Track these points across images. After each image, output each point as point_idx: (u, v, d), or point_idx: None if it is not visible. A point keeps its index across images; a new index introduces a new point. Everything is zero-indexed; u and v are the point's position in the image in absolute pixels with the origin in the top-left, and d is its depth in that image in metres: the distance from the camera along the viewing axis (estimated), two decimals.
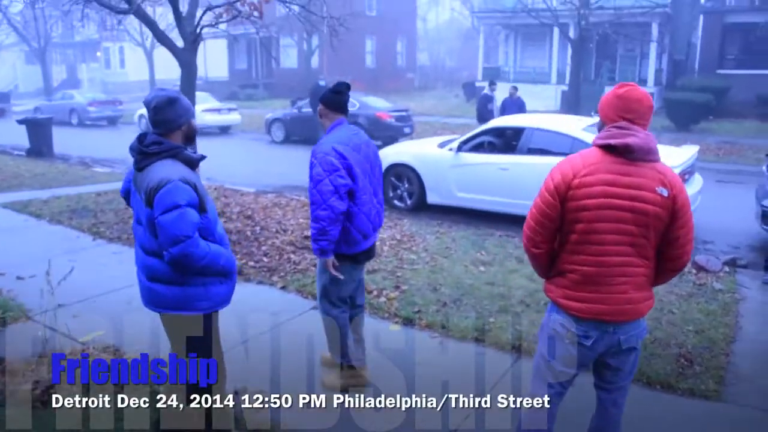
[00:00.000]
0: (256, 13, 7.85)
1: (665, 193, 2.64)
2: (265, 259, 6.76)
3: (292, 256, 6.87)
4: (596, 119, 3.31)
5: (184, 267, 2.96)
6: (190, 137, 3.20)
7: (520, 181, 8.57)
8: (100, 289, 5.93)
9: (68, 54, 51.13)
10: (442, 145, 9.77)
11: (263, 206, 9.13)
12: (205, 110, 22.05)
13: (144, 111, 18.17)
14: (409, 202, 9.85)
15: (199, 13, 8.71)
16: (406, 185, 9.87)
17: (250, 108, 28.02)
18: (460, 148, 9.30)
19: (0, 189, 11.12)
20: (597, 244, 2.69)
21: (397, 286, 5.90)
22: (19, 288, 5.92)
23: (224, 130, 23.08)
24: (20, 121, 17.33)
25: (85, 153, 17.44)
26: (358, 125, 4.28)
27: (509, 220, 8.88)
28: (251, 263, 6.62)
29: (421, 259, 6.82)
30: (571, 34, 21.63)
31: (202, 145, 15.42)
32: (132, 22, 31.53)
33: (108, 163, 15.67)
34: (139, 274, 3.18)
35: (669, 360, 4.54)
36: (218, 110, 22.54)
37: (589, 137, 8.21)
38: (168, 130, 3.07)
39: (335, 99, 3.96)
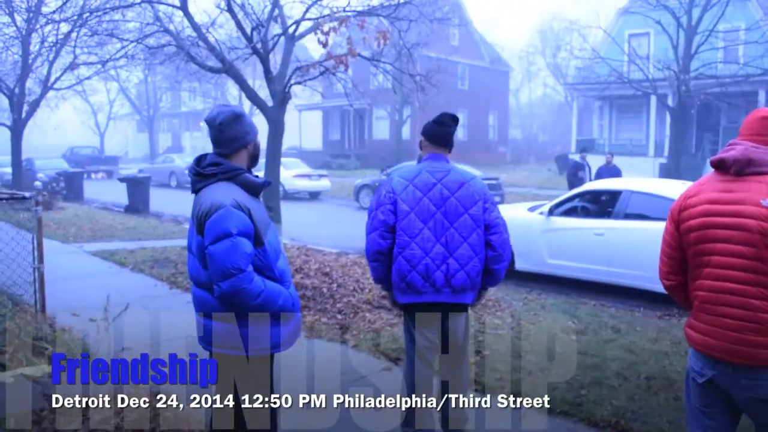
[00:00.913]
0: (342, 68, 7.80)
1: None
2: (339, 317, 6.42)
3: (367, 314, 6.50)
4: None
5: (236, 305, 2.65)
6: (256, 158, 2.95)
7: (616, 247, 7.92)
8: (168, 335, 5.74)
9: (174, 123, 54.44)
10: (532, 209, 9.27)
11: (342, 265, 8.86)
12: (295, 175, 22.56)
13: None
14: None
15: (290, 70, 8.80)
16: None
17: (341, 177, 28.44)
18: (551, 212, 8.77)
19: (93, 239, 11.51)
20: (705, 266, 2.44)
21: (479, 351, 5.38)
22: (90, 329, 5.83)
23: (314, 195, 23.40)
24: (121, 179, 18.26)
25: (179, 212, 17.96)
26: None
27: (604, 290, 8.21)
28: (324, 320, 6.29)
29: (506, 325, 6.27)
30: (670, 102, 20.79)
31: (292, 209, 15.68)
32: (231, 90, 33.22)
33: None
34: (195, 307, 2.90)
35: None
36: (309, 176, 22.93)
37: None
38: (233, 149, 2.81)
39: (434, 130, 3.65)
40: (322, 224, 15.71)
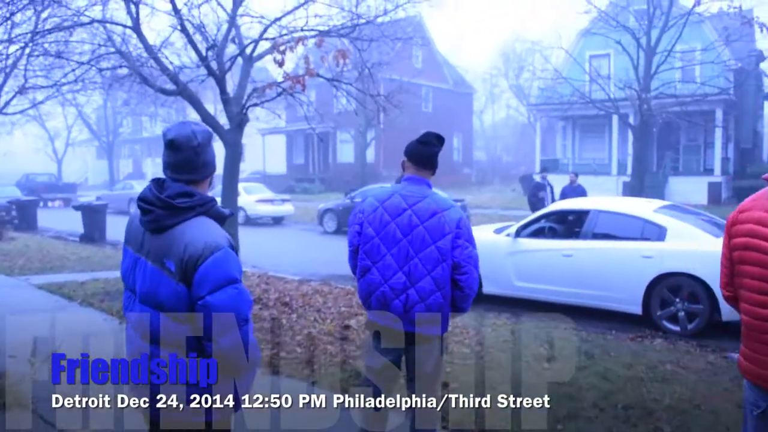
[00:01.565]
0: (299, 88, 7.52)
1: None
2: (298, 350, 6.04)
3: (329, 347, 6.13)
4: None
5: (232, 363, 2.22)
6: (211, 184, 2.51)
7: (585, 268, 7.73)
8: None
9: (135, 149, 53.44)
10: (498, 231, 9.03)
11: (303, 294, 8.49)
12: (258, 200, 22.16)
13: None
14: None
15: (248, 89, 8.49)
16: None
17: (305, 201, 28.05)
18: (518, 234, 8.54)
19: (42, 271, 10.93)
20: (742, 288, 2.30)
21: (446, 383, 5.05)
22: (27, 371, 5.37)
23: (277, 220, 22.97)
24: (76, 207, 17.64)
25: None
26: None
27: (575, 312, 7.93)
28: (282, 353, 5.91)
29: (475, 354, 5.97)
30: (632, 121, 20.98)
31: (254, 235, 15.25)
32: (192, 115, 32.74)
33: None
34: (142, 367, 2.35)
35: None
36: (271, 201, 22.53)
37: (664, 219, 7.38)
38: (205, 176, 2.35)
39: (416, 150, 3.33)
40: (284, 250, 15.29)
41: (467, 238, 3.25)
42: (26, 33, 10.68)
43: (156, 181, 2.35)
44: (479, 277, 3.44)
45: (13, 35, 10.98)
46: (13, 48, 12.63)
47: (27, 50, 12.00)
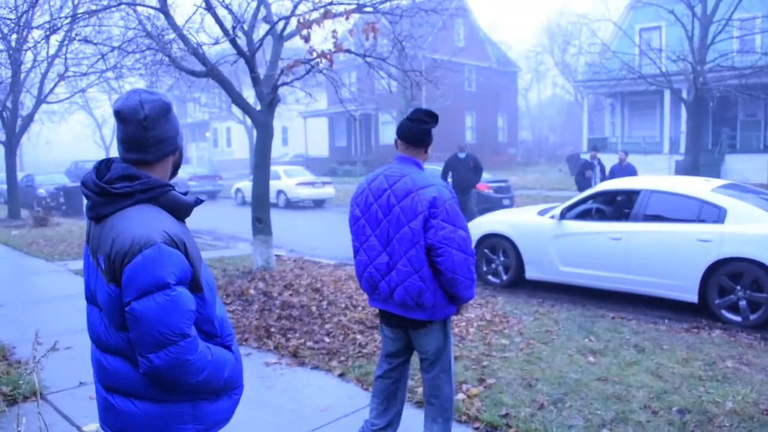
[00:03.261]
0: (326, 61, 7.13)
1: None
2: (326, 340, 5.74)
3: (358, 336, 5.81)
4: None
5: (170, 382, 1.87)
6: (176, 169, 2.10)
7: (636, 252, 7.18)
8: None
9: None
10: (542, 213, 8.53)
11: (336, 279, 8.18)
12: (298, 183, 22.01)
13: (242, 185, 18.07)
14: (504, 277, 8.59)
15: (280, 66, 8.16)
16: (502, 258, 8.65)
17: (347, 183, 27.81)
18: (563, 216, 8.03)
19: (80, 256, 10.91)
20: None
21: (482, 379, 4.68)
22: (49, 361, 5.21)
23: (318, 203, 22.79)
24: None
25: None
26: None
27: (623, 299, 7.48)
28: (310, 343, 5.62)
29: (515, 345, 5.56)
30: (684, 95, 19.93)
31: (294, 218, 15.13)
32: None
33: (196, 233, 15.45)
34: (94, 377, 2.07)
35: None
36: (312, 183, 22.31)
37: (723, 200, 6.78)
38: (159, 156, 1.96)
39: (407, 127, 3.20)
40: (323, 234, 15.10)
41: (444, 218, 3.03)
42: (62, 17, 10.62)
43: (104, 162, 2.00)
44: (469, 267, 3.06)
45: (51, 23, 10.93)
46: (54, 39, 12.71)
47: (66, 38, 12.00)
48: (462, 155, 12.60)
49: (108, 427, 2.01)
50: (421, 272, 3.06)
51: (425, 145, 3.20)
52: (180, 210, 1.98)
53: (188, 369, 1.83)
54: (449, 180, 12.40)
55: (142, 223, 1.84)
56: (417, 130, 3.17)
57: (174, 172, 2.10)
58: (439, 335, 3.28)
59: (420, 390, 4.44)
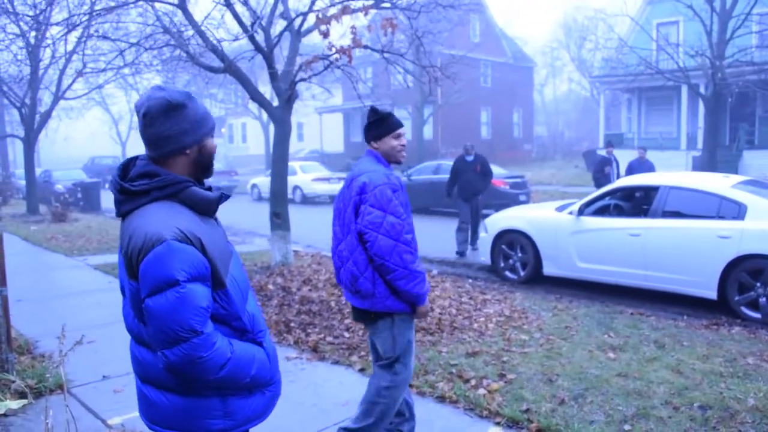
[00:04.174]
0: (345, 57, 7.15)
1: None
2: (346, 335, 5.78)
3: None
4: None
5: (190, 378, 1.90)
6: (206, 167, 2.07)
7: (655, 248, 7.15)
8: None
9: None
10: (560, 209, 8.51)
11: None
12: (314, 179, 22.12)
13: (258, 180, 18.18)
14: (522, 273, 8.60)
15: (298, 62, 8.20)
16: (519, 254, 8.65)
17: None
18: (581, 212, 8.02)
19: (99, 251, 11.06)
20: None
21: (502, 375, 4.69)
22: (73, 355, 5.28)
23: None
24: None
25: None
26: None
27: (642, 295, 7.46)
28: (329, 338, 5.66)
29: (534, 341, 5.56)
30: (703, 91, 19.72)
31: (310, 214, 15.22)
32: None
33: None
34: (133, 368, 2.12)
35: None
36: (327, 179, 22.37)
37: (743, 196, 6.74)
38: (164, 153, 1.97)
39: (367, 126, 3.38)
40: None
41: (372, 203, 3.09)
42: (81, 14, 10.71)
43: (132, 160, 2.04)
44: (398, 254, 3.07)
45: (69, 19, 11.04)
46: (69, 31, 12.80)
47: (84, 35, 12.10)
48: (469, 158, 11.25)
49: (144, 417, 2.07)
50: (353, 257, 3.16)
51: (371, 137, 3.30)
52: (202, 206, 1.99)
53: (203, 366, 1.84)
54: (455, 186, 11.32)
55: (156, 220, 1.86)
56: (365, 126, 3.36)
57: (202, 171, 2.08)
58: (387, 335, 3.24)
59: (441, 384, 4.47)
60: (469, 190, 11.04)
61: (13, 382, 4.55)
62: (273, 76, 8.38)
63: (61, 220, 16.19)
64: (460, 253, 10.76)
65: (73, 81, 16.96)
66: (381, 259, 3.06)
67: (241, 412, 2.03)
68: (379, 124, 3.29)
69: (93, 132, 45.92)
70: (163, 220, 1.86)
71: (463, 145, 11.54)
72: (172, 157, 1.98)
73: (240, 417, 2.03)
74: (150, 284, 1.81)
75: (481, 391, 4.34)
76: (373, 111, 3.30)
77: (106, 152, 44.10)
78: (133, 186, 1.93)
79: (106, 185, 30.97)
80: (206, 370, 1.85)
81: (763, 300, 6.43)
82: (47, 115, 17.98)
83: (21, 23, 14.25)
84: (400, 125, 3.29)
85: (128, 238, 1.89)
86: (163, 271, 1.80)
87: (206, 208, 2.01)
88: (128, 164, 2.03)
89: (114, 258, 10.14)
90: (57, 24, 12.37)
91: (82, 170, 28.33)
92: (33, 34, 15.39)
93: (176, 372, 1.87)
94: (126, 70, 14.92)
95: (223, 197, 2.09)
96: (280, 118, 8.65)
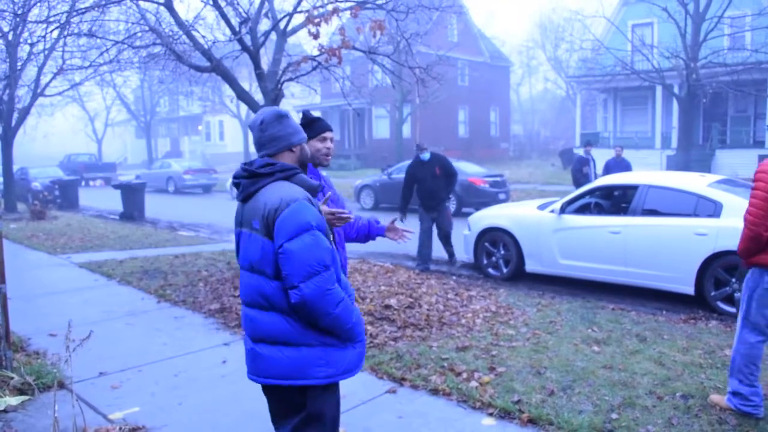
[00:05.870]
0: (335, 60, 7.27)
1: None
2: None
3: (368, 327, 5.97)
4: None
5: (315, 312, 2.32)
6: (303, 164, 2.71)
7: (634, 246, 7.38)
8: (148, 357, 5.25)
9: (173, 128, 53.94)
10: (542, 207, 8.72)
11: None
12: None
13: None
14: (505, 270, 8.78)
15: (282, 64, 8.27)
16: (502, 251, 8.84)
17: (341, 177, 27.92)
18: (563, 210, 8.22)
19: (82, 249, 11.01)
20: None
21: (492, 368, 4.85)
22: (66, 351, 5.33)
23: None
24: (115, 186, 17.77)
25: (176, 218, 17.50)
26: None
27: (622, 291, 7.69)
28: None
29: (521, 335, 5.74)
30: (676, 91, 20.13)
31: None
32: (228, 92, 32.74)
33: (194, 227, 15.54)
34: (246, 333, 2.57)
35: None
36: None
37: (719, 195, 6.99)
38: (277, 149, 2.57)
39: None
40: None
41: None
42: (62, 13, 10.64)
43: (244, 163, 2.59)
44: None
45: (50, 16, 10.96)
46: (50, 28, 12.68)
47: (65, 32, 12.00)
48: (424, 157, 9.33)
49: (256, 375, 2.48)
50: None
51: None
52: (307, 188, 2.51)
53: (330, 298, 2.30)
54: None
55: (287, 190, 2.41)
56: None
57: (302, 166, 2.69)
58: None
59: (433, 378, 4.61)
60: (431, 197, 9.33)
61: (12, 378, 4.60)
62: (260, 76, 8.45)
63: (40, 218, 16.05)
64: (424, 269, 9.24)
65: (53, 77, 16.80)
66: None
67: (339, 362, 2.43)
68: (305, 128, 3.30)
69: (72, 129, 45.33)
70: (293, 190, 2.42)
71: (415, 144, 9.86)
72: (281, 153, 2.58)
73: (338, 366, 2.43)
74: (289, 231, 2.30)
75: (473, 383, 4.50)
76: (303, 116, 3.37)
77: (83, 150, 43.53)
78: (261, 170, 2.47)
79: (83, 183, 30.62)
80: (330, 303, 2.30)
81: (737, 295, 6.66)
82: (25, 111, 17.79)
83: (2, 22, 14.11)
84: (324, 129, 3.31)
85: (263, 205, 2.39)
86: (299, 219, 2.31)
87: (311, 191, 2.53)
88: (248, 164, 2.56)
89: (98, 257, 10.14)
90: (36, 22, 12.30)
91: (58, 167, 28.01)
92: (9, 30, 15.21)
93: (306, 306, 2.29)
94: (105, 68, 14.85)
95: (321, 188, 2.76)
96: None
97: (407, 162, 20.58)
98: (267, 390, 2.56)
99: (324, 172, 3.41)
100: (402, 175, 19.05)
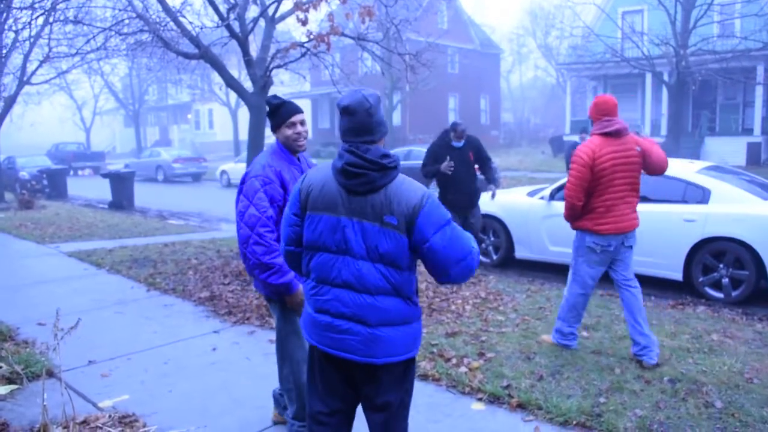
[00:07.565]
0: (324, 47, 7.22)
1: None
2: None
3: None
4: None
5: (464, 273, 2.46)
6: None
7: None
8: (138, 346, 5.24)
9: (162, 116, 53.55)
10: (531, 194, 8.73)
11: None
12: None
13: (227, 167, 18.18)
14: (495, 256, 8.81)
15: (271, 51, 8.21)
16: (492, 238, 8.86)
17: None
18: (552, 197, 8.24)
19: (71, 238, 10.95)
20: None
21: (482, 353, 4.87)
22: (55, 340, 5.31)
23: None
24: (104, 175, 17.67)
25: (165, 207, 17.43)
26: None
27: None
28: None
29: (511, 321, 5.77)
30: (666, 78, 20.16)
31: None
32: (217, 80, 32.53)
33: (184, 216, 15.48)
34: (349, 325, 2.40)
35: None
36: None
37: (707, 181, 7.03)
38: (381, 135, 2.44)
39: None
40: None
41: (244, 192, 3.21)
42: (48, 1, 10.52)
43: (347, 150, 2.38)
44: (251, 246, 3.15)
45: (35, 2, 10.83)
46: (36, 14, 12.54)
47: (51, 18, 11.87)
48: (458, 144, 7.64)
49: (373, 357, 2.42)
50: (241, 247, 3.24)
51: (271, 129, 3.37)
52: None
53: (473, 272, 2.46)
54: (433, 188, 8.25)
55: (416, 184, 2.41)
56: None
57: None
58: (276, 314, 3.41)
59: (423, 363, 4.63)
60: (467, 192, 7.87)
61: (0, 368, 4.58)
62: (248, 63, 8.38)
63: (28, 207, 15.95)
64: None
65: (39, 66, 16.63)
66: (242, 246, 3.15)
67: (421, 336, 2.59)
68: (272, 115, 3.28)
69: (59, 118, 44.91)
70: (418, 184, 2.43)
71: (452, 124, 7.77)
72: (382, 139, 2.45)
73: (420, 340, 2.57)
74: (435, 225, 2.33)
75: (463, 369, 4.52)
76: (267, 103, 3.28)
77: (71, 139, 43.17)
78: (390, 163, 2.37)
79: (71, 172, 30.34)
80: (470, 276, 2.46)
81: (725, 281, 6.73)
82: (11, 100, 17.61)
83: None
84: (292, 113, 3.22)
85: (405, 202, 2.32)
86: (441, 213, 2.37)
87: None
88: (355, 153, 2.36)
89: (87, 246, 10.09)
90: (21, 8, 12.16)
91: (46, 156, 27.79)
92: None
93: (465, 277, 2.45)
94: (92, 56, 14.70)
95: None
96: (256, 104, 8.66)
97: (398, 149, 20.63)
98: (369, 371, 2.45)
99: (315, 161, 3.39)
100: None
